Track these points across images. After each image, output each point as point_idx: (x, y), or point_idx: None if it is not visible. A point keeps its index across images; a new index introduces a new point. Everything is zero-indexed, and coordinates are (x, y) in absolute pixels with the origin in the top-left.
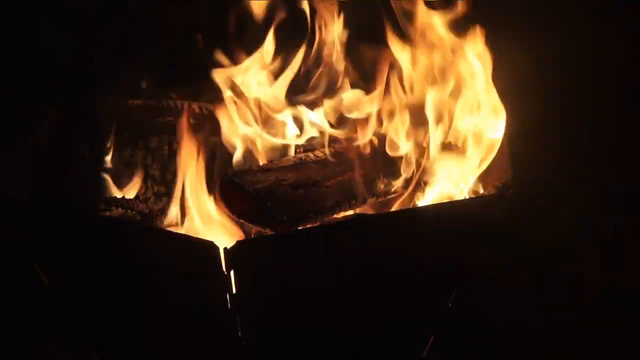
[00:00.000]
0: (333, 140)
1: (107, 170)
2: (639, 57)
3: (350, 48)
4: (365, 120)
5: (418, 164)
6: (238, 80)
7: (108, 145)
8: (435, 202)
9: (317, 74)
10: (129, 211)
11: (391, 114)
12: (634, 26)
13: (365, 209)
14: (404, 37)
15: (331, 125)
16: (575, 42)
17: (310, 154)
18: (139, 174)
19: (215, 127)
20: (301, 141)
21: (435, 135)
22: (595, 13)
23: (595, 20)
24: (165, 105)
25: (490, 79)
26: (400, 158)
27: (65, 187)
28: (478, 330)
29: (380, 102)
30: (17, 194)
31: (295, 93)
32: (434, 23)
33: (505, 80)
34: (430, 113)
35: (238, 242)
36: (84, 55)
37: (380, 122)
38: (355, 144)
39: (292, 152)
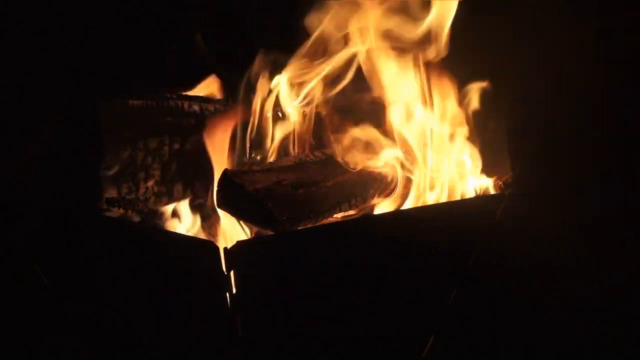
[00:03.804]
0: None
1: (107, 170)
2: (638, 57)
3: None
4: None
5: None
6: None
7: (108, 145)
8: (435, 202)
9: None
10: (129, 211)
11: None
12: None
13: (365, 209)
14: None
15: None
16: (576, 41)
17: (310, 155)
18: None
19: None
20: None
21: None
22: (595, 13)
23: (595, 20)
24: (166, 105)
25: None
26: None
27: (66, 187)
28: (478, 330)
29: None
30: (17, 194)
31: None
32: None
33: (505, 81)
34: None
35: (238, 242)
36: (84, 55)
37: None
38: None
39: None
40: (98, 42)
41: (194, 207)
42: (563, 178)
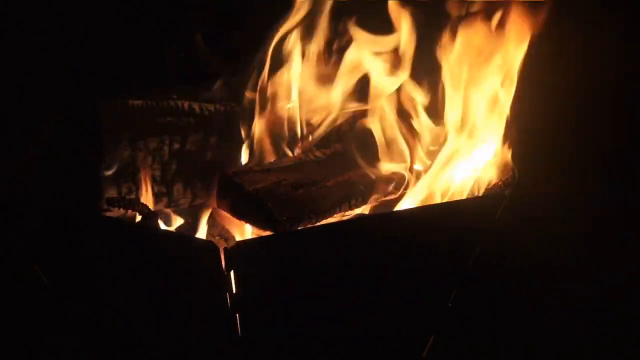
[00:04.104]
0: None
1: (107, 170)
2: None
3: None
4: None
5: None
6: None
7: (108, 145)
8: (435, 202)
9: None
10: (129, 211)
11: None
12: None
13: (365, 209)
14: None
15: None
16: (578, 42)
17: (310, 155)
18: None
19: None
20: None
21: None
22: (599, 15)
23: (600, 22)
24: (166, 105)
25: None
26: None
27: (66, 187)
28: (478, 330)
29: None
30: (17, 194)
31: None
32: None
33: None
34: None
35: (238, 242)
36: (84, 55)
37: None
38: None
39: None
40: (98, 42)
41: (194, 207)
42: (563, 178)
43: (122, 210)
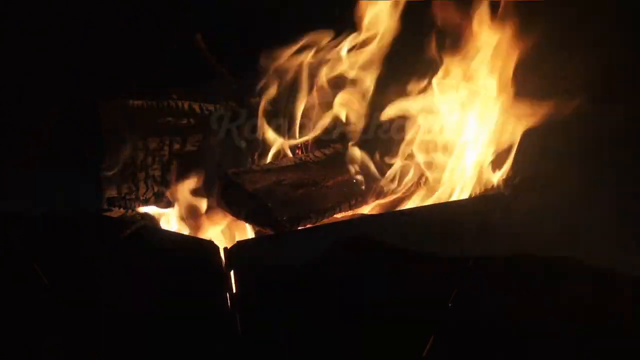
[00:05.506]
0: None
1: (107, 170)
2: None
3: None
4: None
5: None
6: None
7: (108, 145)
8: (435, 202)
9: None
10: (129, 211)
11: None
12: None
13: (365, 209)
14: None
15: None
16: (578, 42)
17: (310, 155)
18: None
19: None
20: None
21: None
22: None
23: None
24: (165, 105)
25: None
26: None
27: (66, 187)
28: (478, 330)
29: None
30: (17, 194)
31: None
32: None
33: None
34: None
35: (238, 242)
36: (84, 55)
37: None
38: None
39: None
40: (98, 42)
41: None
42: (565, 178)
43: (122, 210)
